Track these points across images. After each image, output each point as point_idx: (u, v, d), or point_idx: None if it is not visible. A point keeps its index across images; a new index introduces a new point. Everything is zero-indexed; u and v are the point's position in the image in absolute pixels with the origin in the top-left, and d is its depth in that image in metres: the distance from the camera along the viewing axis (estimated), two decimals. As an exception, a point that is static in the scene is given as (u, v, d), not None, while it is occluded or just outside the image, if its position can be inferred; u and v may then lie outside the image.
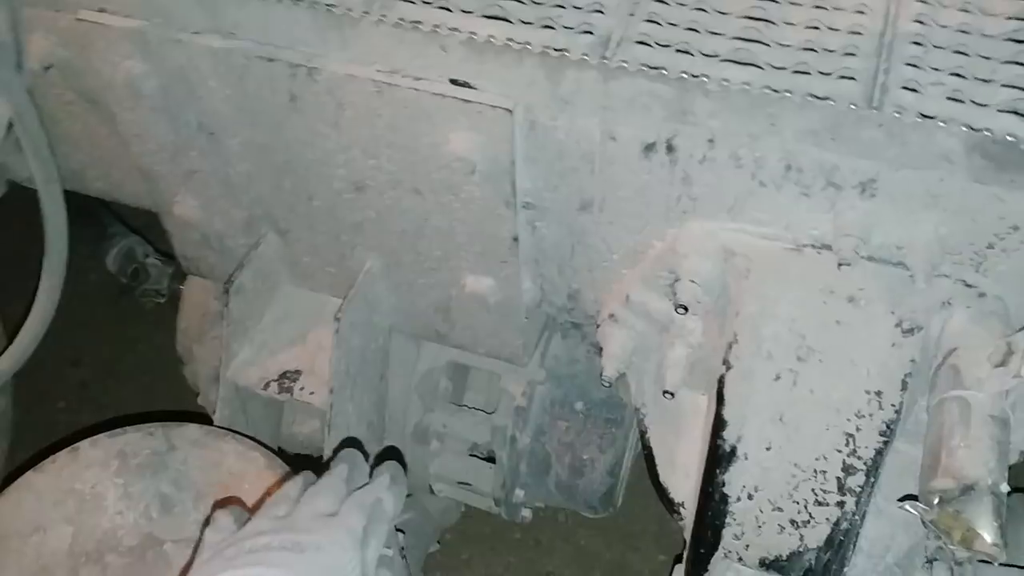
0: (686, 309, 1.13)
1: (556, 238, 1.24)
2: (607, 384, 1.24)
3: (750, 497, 1.09)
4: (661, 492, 1.31)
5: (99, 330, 2.62)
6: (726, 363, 1.11)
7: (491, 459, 1.66)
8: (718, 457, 1.10)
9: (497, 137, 1.09)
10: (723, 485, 1.10)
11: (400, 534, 1.49)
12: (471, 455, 1.67)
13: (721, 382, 1.12)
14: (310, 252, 1.42)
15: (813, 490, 1.07)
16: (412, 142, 1.15)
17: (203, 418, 1.41)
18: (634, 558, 2.31)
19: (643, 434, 1.32)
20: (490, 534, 2.32)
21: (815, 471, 1.07)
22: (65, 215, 1.45)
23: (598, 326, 1.29)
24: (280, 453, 1.37)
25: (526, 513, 1.72)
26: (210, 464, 1.27)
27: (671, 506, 1.30)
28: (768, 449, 1.08)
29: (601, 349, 1.27)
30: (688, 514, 1.26)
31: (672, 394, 1.21)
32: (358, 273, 1.38)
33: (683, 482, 1.29)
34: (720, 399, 1.12)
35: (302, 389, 1.42)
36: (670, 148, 1.06)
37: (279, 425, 1.57)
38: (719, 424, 1.11)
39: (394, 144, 1.17)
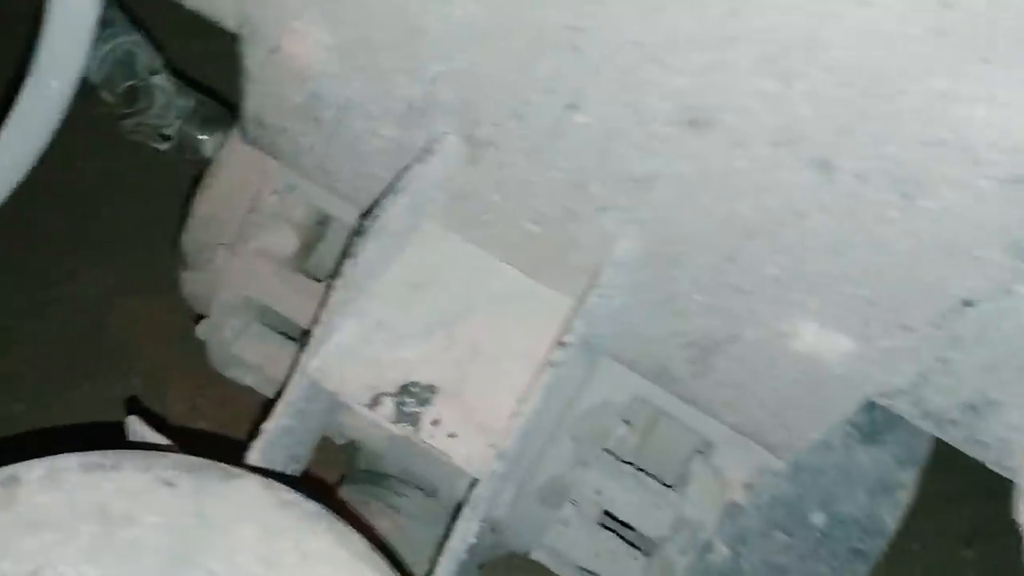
0: None
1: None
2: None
3: None
4: None
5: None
6: None
7: (622, 536, 1.08)
8: None
9: None
10: None
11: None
12: (603, 526, 1.08)
13: None
14: (511, 190, 0.78)
15: None
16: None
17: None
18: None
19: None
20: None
21: None
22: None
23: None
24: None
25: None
26: (269, 563, 0.65)
27: None
28: None
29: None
30: None
31: None
32: (584, 249, 0.76)
33: None
34: None
35: (435, 424, 0.79)
36: None
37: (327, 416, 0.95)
38: None
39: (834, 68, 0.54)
